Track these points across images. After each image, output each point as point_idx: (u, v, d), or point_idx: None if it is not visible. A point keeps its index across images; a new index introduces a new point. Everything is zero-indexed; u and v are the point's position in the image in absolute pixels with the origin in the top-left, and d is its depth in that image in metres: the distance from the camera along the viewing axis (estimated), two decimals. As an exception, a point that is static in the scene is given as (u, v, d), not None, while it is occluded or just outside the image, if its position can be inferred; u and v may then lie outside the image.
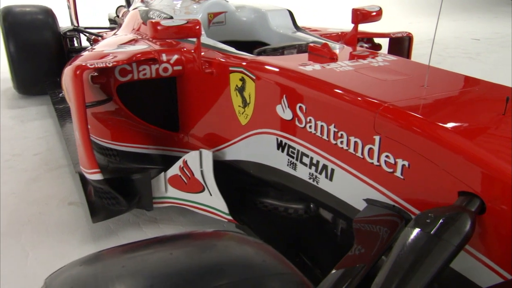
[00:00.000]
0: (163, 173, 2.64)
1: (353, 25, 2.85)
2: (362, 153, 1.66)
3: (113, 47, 2.84)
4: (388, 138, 1.54)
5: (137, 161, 3.03)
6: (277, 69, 2.09)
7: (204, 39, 2.76)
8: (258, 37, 3.33)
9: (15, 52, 4.98)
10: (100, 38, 5.09)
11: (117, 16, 5.70)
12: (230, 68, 2.34)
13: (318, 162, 1.91)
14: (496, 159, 1.25)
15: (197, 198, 2.59)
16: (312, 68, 2.04)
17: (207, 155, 2.42)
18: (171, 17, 2.94)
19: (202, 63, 2.48)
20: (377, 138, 1.59)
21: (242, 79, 2.28)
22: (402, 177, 1.53)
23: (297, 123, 1.98)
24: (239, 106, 2.36)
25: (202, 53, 2.56)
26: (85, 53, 2.89)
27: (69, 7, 5.92)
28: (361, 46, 3.29)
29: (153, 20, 2.33)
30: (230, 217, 2.48)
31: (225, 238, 0.95)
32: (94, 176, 2.49)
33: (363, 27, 3.17)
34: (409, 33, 3.20)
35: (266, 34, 3.26)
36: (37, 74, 5.04)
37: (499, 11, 13.77)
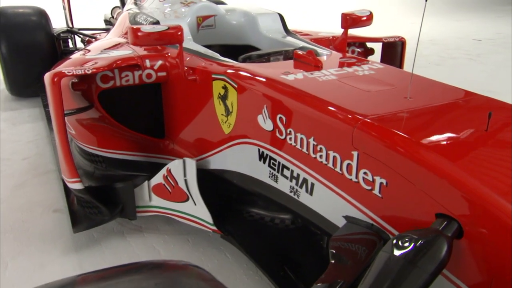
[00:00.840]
0: (146, 181, 2.58)
1: (343, 29, 2.78)
2: (341, 169, 1.60)
3: (97, 52, 2.78)
4: (366, 155, 1.47)
5: (123, 168, 2.98)
6: (258, 78, 2.03)
7: (190, 44, 2.70)
8: (248, 41, 3.26)
9: (7, 53, 4.93)
10: (93, 39, 5.04)
11: (112, 17, 5.65)
12: (213, 76, 2.28)
13: (298, 175, 1.85)
14: (474, 182, 1.18)
15: (182, 207, 2.53)
16: (294, 77, 1.97)
17: (191, 164, 2.36)
18: (157, 22, 2.88)
19: (186, 70, 2.42)
20: (355, 153, 1.52)
21: (225, 87, 2.21)
22: (380, 195, 1.46)
23: (277, 134, 1.91)
24: (222, 114, 2.30)
25: (187, 59, 2.50)
26: (70, 58, 2.84)
27: (64, 8, 5.87)
28: (353, 51, 3.23)
29: (134, 26, 2.27)
30: (214, 228, 2.42)
31: (177, 274, 0.90)
32: (75, 185, 2.44)
33: (356, 31, 3.10)
34: (402, 38, 3.12)
35: (256, 38, 3.19)
36: (30, 76, 4.98)
37: (502, 11, 13.63)
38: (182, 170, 2.41)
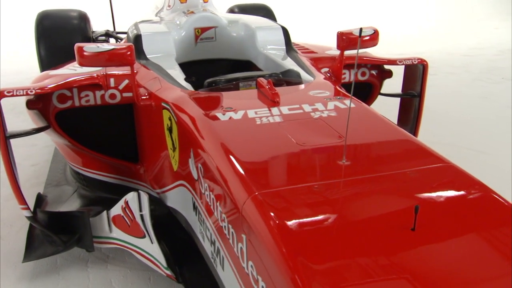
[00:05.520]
0: (105, 211, 2.36)
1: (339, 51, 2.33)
2: (237, 251, 1.23)
3: (67, 67, 2.61)
4: (251, 243, 1.09)
5: (102, 189, 2.81)
6: (191, 114, 1.70)
7: (166, 62, 2.43)
8: (248, 56, 2.92)
9: (45, 55, 5.01)
10: (128, 43, 4.98)
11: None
12: (162, 104, 1.98)
13: (214, 242, 1.50)
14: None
15: (140, 243, 2.29)
16: (230, 116, 1.61)
17: (144, 199, 2.10)
18: (139, 36, 2.63)
19: (144, 93, 2.15)
20: (244, 237, 1.14)
21: (170, 119, 1.91)
22: (263, 301, 1.07)
23: (200, 186, 1.57)
24: (170, 148, 2.00)
25: (150, 80, 2.23)
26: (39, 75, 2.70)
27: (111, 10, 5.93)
28: (363, 73, 2.74)
29: (79, 44, 2.03)
30: (168, 272, 2.14)
31: None
32: (24, 212, 2.28)
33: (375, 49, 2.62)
34: (423, 60, 2.58)
35: (254, 54, 2.85)
36: (64, 78, 5.03)
37: None
38: (138, 204, 2.15)
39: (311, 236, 0.98)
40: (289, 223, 1.01)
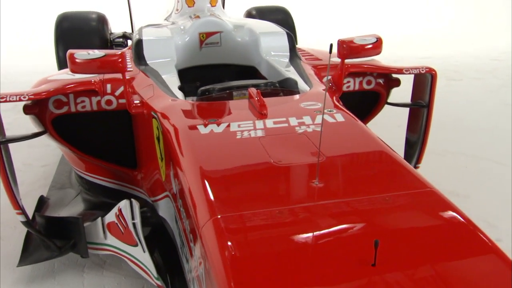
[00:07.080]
0: (100, 218, 2.35)
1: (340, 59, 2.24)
2: (200, 275, 1.17)
3: (68, 72, 2.61)
4: (206, 270, 1.03)
5: (103, 194, 2.81)
6: (173, 125, 1.65)
7: (164, 67, 2.40)
8: (253, 62, 2.86)
9: (63, 57, 5.08)
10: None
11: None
12: (152, 113, 1.95)
13: (188, 260, 1.44)
14: None
15: (133, 251, 2.26)
16: (211, 129, 1.56)
17: (136, 208, 2.08)
18: (140, 40, 2.61)
19: (134, 101, 2.12)
20: (202, 263, 1.08)
21: (158, 129, 1.87)
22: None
23: (177, 200, 1.52)
24: (159, 158, 1.96)
25: (145, 87, 2.20)
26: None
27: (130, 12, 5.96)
28: (369, 82, 2.63)
29: (71, 51, 2.02)
30: (159, 282, 2.11)
31: None
32: (19, 217, 2.28)
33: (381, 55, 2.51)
34: (431, 69, 2.46)
35: (257, 60, 2.78)
36: (81, 80, 5.08)
37: None
38: (130, 212, 2.13)
39: (264, 270, 0.92)
40: (243, 254, 0.95)
